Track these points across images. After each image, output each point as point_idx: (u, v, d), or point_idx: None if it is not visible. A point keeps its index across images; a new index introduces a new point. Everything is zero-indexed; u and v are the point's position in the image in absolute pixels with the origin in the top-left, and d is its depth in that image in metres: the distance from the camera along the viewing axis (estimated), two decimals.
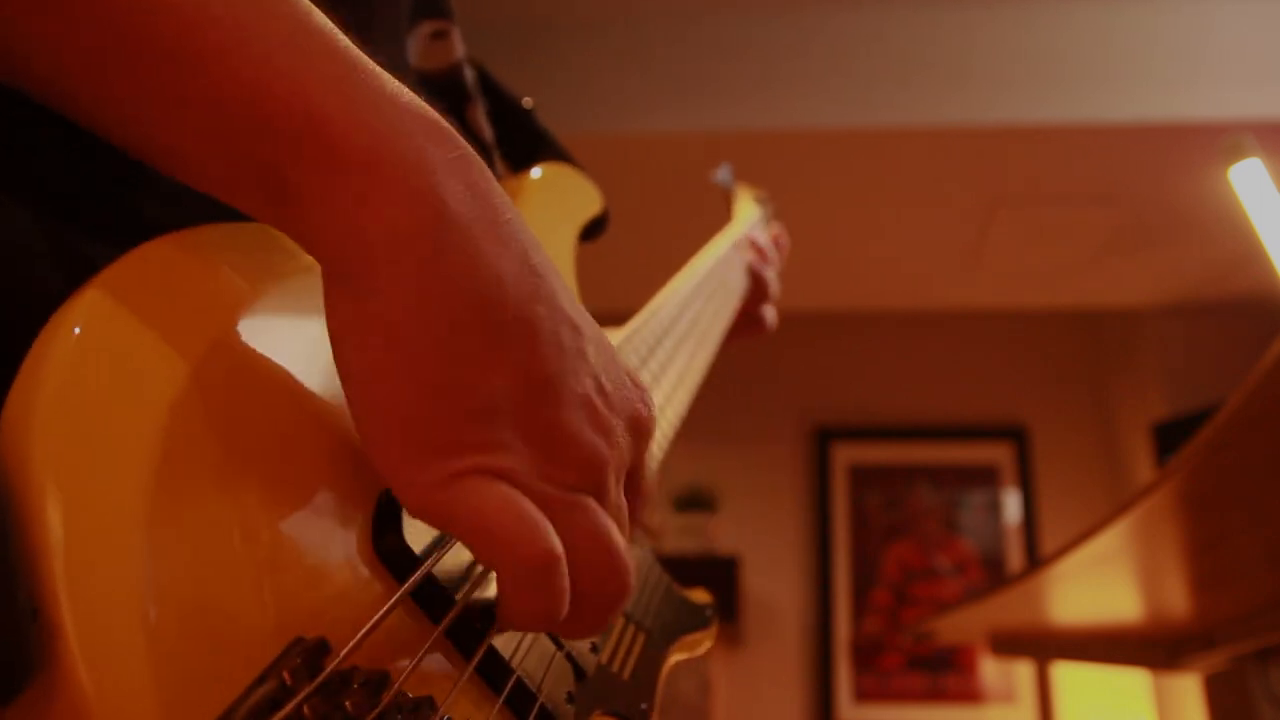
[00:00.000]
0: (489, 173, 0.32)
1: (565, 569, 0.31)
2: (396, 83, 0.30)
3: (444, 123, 0.31)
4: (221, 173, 0.29)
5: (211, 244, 0.32)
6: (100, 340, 0.27)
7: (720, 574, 2.97)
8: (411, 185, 0.28)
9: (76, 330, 0.26)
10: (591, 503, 0.32)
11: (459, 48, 0.63)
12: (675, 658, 0.51)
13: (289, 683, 0.25)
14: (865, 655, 3.11)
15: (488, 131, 0.65)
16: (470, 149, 0.31)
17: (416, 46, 0.59)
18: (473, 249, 0.29)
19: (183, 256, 0.31)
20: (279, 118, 0.27)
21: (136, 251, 0.29)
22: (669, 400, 0.66)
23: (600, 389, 0.33)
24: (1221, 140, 1.88)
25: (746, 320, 0.95)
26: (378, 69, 0.30)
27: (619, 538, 0.33)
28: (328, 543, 0.31)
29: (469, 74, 0.64)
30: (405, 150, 0.29)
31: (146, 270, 0.29)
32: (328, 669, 0.26)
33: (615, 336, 0.64)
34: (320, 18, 0.30)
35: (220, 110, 0.27)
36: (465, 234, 0.29)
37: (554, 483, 0.31)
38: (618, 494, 0.34)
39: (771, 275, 0.99)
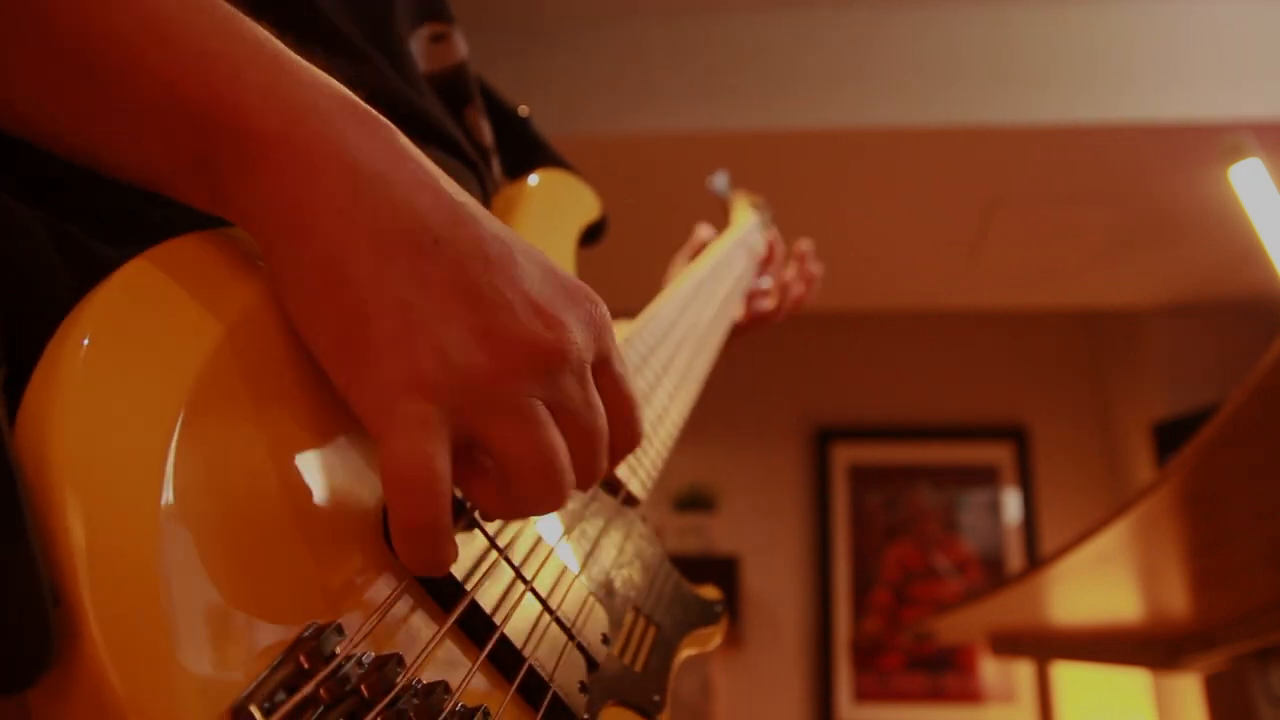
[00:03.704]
0: (400, 134, 0.34)
1: (447, 535, 0.32)
2: (308, 65, 0.33)
3: (352, 96, 0.34)
4: (164, 171, 0.32)
5: (224, 243, 0.33)
6: (113, 337, 0.27)
7: (720, 574, 2.97)
8: (323, 151, 0.31)
9: (87, 335, 0.26)
10: (543, 415, 0.33)
11: (460, 49, 0.63)
12: (686, 652, 0.52)
13: (305, 666, 0.26)
14: (865, 655, 3.12)
15: (488, 135, 0.65)
16: (380, 117, 0.34)
17: (418, 50, 0.60)
18: (387, 191, 0.32)
19: (195, 256, 0.31)
20: (202, 111, 0.30)
21: (147, 254, 0.30)
22: (671, 401, 0.66)
23: (540, 290, 0.35)
24: (1221, 140, 1.88)
25: (749, 319, 0.96)
26: (291, 54, 0.33)
27: (563, 455, 0.34)
28: (342, 531, 0.31)
29: (471, 75, 0.64)
30: (315, 124, 0.32)
31: (156, 271, 0.30)
32: (341, 653, 0.27)
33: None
34: (237, 15, 0.32)
35: (150, 111, 0.30)
36: (379, 180, 0.32)
37: (508, 390, 0.32)
38: (582, 390, 0.35)
39: (769, 281, 1.00)
